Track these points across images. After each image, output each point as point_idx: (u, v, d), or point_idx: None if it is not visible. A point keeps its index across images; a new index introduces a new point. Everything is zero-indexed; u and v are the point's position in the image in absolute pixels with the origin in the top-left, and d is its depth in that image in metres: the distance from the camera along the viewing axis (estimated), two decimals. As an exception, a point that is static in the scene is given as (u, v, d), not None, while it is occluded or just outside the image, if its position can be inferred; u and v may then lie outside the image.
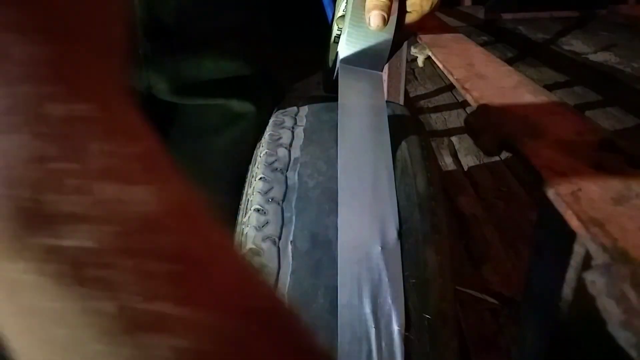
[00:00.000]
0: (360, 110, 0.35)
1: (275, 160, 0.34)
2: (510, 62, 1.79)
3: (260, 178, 0.33)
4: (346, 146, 0.32)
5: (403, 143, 0.36)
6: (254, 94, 0.45)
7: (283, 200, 0.31)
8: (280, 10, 0.49)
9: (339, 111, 0.34)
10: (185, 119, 0.47)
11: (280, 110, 0.40)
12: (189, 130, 0.47)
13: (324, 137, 0.36)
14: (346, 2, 0.39)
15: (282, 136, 0.37)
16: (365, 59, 0.37)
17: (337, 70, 0.37)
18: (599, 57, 1.69)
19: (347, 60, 0.37)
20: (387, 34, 0.37)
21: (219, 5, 0.41)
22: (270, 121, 0.39)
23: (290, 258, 0.28)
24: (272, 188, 0.32)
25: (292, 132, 0.37)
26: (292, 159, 0.34)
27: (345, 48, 0.37)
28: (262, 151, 0.36)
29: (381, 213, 0.29)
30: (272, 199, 0.31)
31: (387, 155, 0.32)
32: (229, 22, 0.43)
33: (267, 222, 0.30)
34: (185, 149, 0.49)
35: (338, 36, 0.39)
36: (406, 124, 0.39)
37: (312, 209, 0.30)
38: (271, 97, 0.49)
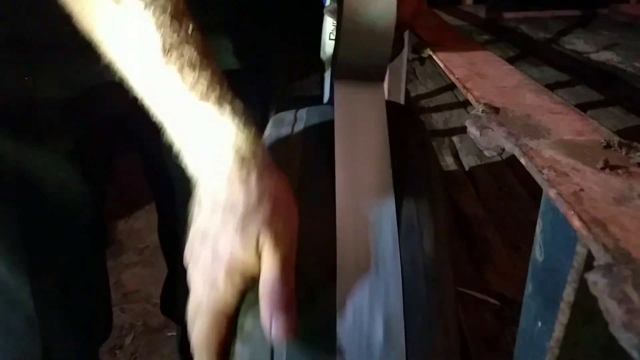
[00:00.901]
0: (360, 135, 0.32)
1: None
2: (511, 61, 1.79)
3: None
4: (343, 190, 0.29)
5: (405, 155, 0.34)
6: (242, 90, 0.46)
7: None
8: (278, 9, 0.49)
9: (336, 135, 0.31)
10: None
11: (279, 113, 0.40)
12: None
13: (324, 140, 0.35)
14: (335, 15, 0.36)
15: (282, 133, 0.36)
16: (363, 70, 0.34)
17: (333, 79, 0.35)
18: (601, 56, 1.69)
19: (343, 73, 0.34)
20: (386, 38, 0.33)
21: (210, 0, 0.41)
22: (270, 121, 0.39)
23: None
24: None
25: (292, 129, 0.37)
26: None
27: (339, 61, 0.33)
28: None
29: (384, 284, 0.27)
30: None
31: (391, 207, 0.29)
32: (220, 17, 0.42)
33: None
34: (178, 159, 0.49)
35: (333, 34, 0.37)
36: (408, 128, 0.38)
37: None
38: (262, 94, 0.49)
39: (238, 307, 0.28)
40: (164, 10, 0.27)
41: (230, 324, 0.28)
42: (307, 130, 0.36)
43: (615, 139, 0.25)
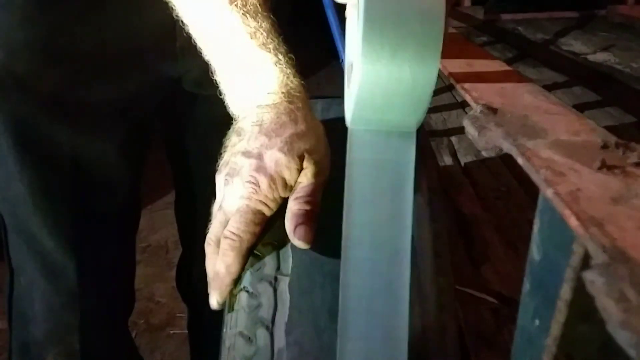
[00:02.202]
0: (379, 209, 0.25)
1: None
2: (509, 62, 1.79)
3: None
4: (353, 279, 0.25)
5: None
6: None
7: None
8: (299, 10, 0.51)
9: (345, 205, 0.25)
10: (203, 111, 0.50)
11: None
12: (205, 121, 0.50)
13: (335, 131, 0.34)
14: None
15: None
16: (389, 117, 0.24)
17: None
18: (598, 57, 1.70)
19: (361, 119, 0.24)
20: (431, 67, 0.22)
21: None
22: None
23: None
24: None
25: None
26: None
27: (355, 102, 0.23)
28: None
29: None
30: None
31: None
32: None
33: None
34: (201, 139, 0.52)
35: None
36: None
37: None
38: None
39: (272, 218, 0.30)
40: None
41: (264, 229, 0.29)
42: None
43: (612, 139, 0.25)
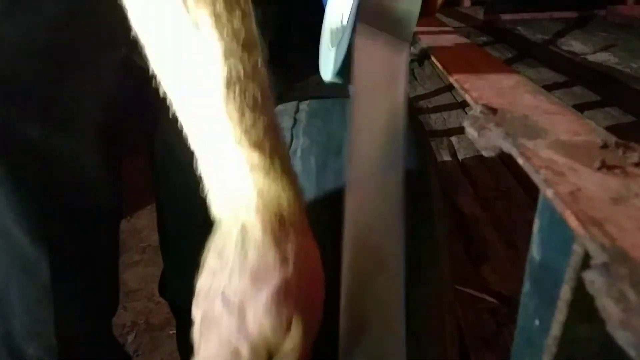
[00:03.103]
0: (376, 98, 0.28)
1: None
2: (509, 62, 1.79)
3: None
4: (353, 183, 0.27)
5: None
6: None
7: None
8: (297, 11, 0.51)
9: (353, 97, 0.28)
10: (172, 114, 0.49)
11: (280, 105, 0.40)
12: (174, 125, 0.49)
13: (328, 122, 0.35)
14: None
15: (284, 121, 0.37)
16: (386, 22, 0.29)
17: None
18: (598, 57, 1.70)
19: (367, 18, 0.29)
20: None
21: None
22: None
23: None
24: None
25: (295, 118, 0.37)
26: (294, 142, 0.34)
27: (362, 5, 0.29)
28: None
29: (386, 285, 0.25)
30: None
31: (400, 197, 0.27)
32: (267, 13, 0.45)
33: None
34: (169, 144, 0.52)
35: None
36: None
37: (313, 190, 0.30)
38: (279, 86, 0.52)
39: None
40: (236, 37, 0.24)
41: None
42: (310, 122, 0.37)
43: (612, 139, 0.25)
